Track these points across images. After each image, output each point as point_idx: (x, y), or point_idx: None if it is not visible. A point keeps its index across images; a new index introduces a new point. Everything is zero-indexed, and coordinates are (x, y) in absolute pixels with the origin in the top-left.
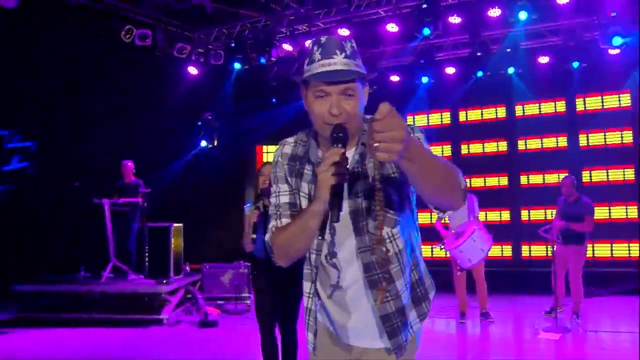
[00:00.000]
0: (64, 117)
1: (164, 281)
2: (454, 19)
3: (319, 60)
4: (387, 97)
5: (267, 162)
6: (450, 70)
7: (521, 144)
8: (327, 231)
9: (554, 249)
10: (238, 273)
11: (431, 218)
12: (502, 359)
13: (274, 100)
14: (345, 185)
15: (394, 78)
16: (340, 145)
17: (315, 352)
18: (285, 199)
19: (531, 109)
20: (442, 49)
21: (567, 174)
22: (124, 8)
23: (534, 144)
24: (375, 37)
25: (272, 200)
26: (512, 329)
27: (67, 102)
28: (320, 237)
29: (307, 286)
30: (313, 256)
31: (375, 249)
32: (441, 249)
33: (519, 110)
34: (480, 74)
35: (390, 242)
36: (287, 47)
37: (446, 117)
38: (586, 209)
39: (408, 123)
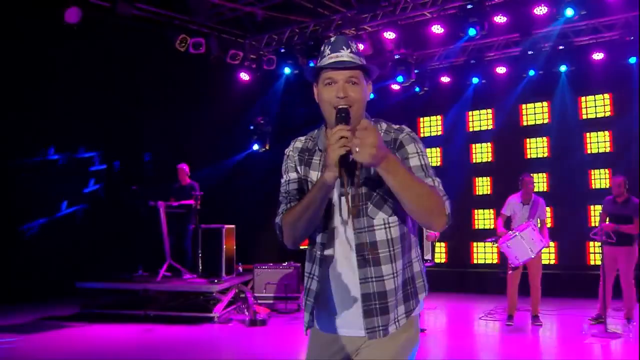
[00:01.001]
0: (126, 127)
1: (216, 281)
2: (500, 19)
3: (328, 55)
4: (438, 97)
5: None
6: (500, 70)
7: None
8: (347, 191)
9: (602, 250)
10: (288, 273)
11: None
12: None
13: None
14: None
15: (445, 79)
16: (344, 124)
17: (306, 331)
18: (294, 186)
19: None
20: (492, 49)
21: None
22: (178, 18)
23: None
24: (422, 39)
25: (282, 189)
26: (559, 333)
27: (128, 113)
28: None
29: (308, 267)
30: (319, 236)
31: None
32: (493, 244)
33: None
34: (532, 72)
35: (385, 228)
36: None
37: (502, 116)
38: (636, 210)
39: (410, 134)
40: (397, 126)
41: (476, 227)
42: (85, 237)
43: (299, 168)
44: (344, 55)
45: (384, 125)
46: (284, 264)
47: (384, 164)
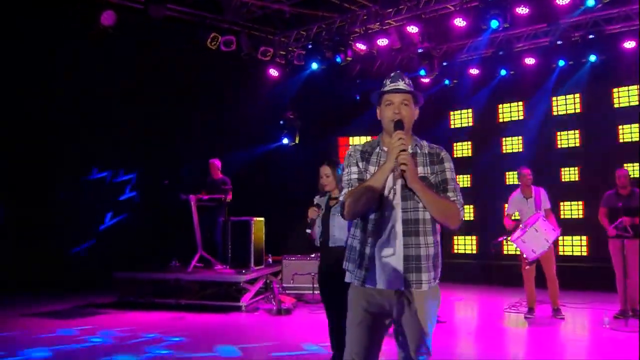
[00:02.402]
0: (162, 125)
1: (243, 271)
2: (522, 10)
3: (388, 84)
4: (466, 88)
5: (324, 164)
6: (529, 61)
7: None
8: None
9: (622, 244)
10: (315, 264)
11: None
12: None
13: (357, 97)
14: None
15: (473, 71)
16: (401, 130)
17: (361, 283)
18: (355, 176)
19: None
20: (521, 40)
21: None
22: (209, 17)
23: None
24: (446, 32)
25: (345, 178)
26: (581, 327)
27: (161, 112)
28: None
29: (361, 236)
30: (373, 214)
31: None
32: (507, 241)
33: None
34: (562, 63)
35: (423, 211)
36: (360, 46)
37: (533, 108)
38: None
39: (447, 154)
40: (437, 146)
41: None
42: (124, 233)
43: (360, 164)
44: (400, 84)
45: (425, 143)
46: (311, 256)
47: (417, 187)
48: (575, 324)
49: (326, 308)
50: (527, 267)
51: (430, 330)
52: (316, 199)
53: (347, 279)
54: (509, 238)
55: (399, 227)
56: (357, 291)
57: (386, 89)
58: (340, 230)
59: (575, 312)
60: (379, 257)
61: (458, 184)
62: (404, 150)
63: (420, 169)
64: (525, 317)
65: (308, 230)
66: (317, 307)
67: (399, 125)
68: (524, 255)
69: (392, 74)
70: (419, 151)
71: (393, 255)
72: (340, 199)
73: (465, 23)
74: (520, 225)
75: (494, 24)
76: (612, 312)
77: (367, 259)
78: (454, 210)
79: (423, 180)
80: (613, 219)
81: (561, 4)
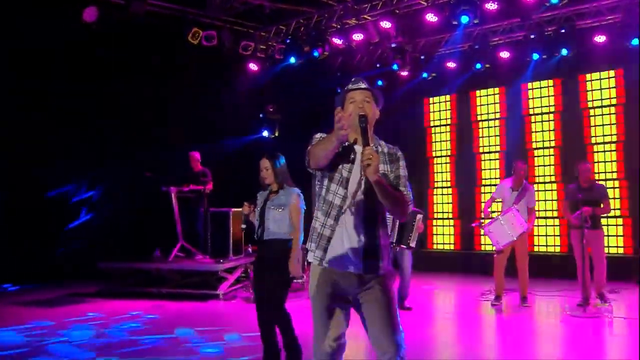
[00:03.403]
0: (140, 117)
1: (221, 261)
2: (491, 6)
3: (351, 85)
4: (445, 81)
5: (264, 157)
6: (504, 55)
7: None
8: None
9: (582, 235)
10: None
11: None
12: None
13: (338, 90)
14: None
15: (451, 64)
16: (365, 119)
17: (321, 262)
18: (320, 135)
19: None
20: (497, 34)
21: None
22: (191, 12)
23: None
24: (419, 27)
25: (316, 138)
26: (544, 314)
27: (143, 105)
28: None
29: (323, 219)
30: (336, 199)
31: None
32: (480, 226)
33: None
34: (536, 56)
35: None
36: (337, 41)
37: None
38: (603, 193)
39: (401, 154)
40: (393, 146)
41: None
42: (107, 224)
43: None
44: (361, 84)
45: (383, 143)
46: None
47: (376, 180)
48: (539, 311)
49: (257, 300)
50: (495, 255)
51: (396, 312)
52: (259, 195)
53: (309, 258)
54: (483, 223)
55: (361, 216)
56: (319, 271)
57: (348, 87)
58: (275, 224)
59: (544, 300)
60: (341, 242)
61: (409, 181)
62: (367, 145)
63: (380, 167)
64: (492, 305)
65: (243, 226)
66: (294, 295)
67: (363, 120)
68: (492, 243)
69: (353, 79)
70: (379, 150)
71: (356, 242)
72: (308, 149)
73: (437, 18)
74: (495, 215)
75: (464, 19)
76: (577, 299)
77: (327, 240)
78: (405, 204)
79: (383, 177)
80: (574, 211)
81: (528, 0)
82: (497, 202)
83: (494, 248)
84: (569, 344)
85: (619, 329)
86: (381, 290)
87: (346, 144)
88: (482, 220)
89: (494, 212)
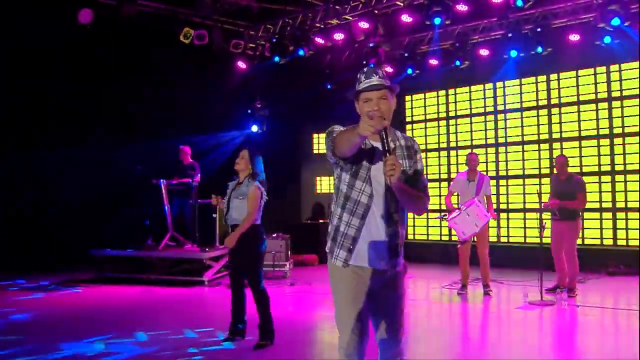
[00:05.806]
0: (135, 116)
1: (207, 249)
2: (461, 7)
3: (363, 81)
4: (428, 78)
5: (246, 148)
6: (484, 52)
7: None
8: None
9: (551, 226)
10: (277, 243)
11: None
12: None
13: (328, 86)
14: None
15: (433, 61)
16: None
17: (346, 263)
18: (340, 128)
19: None
20: (477, 32)
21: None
22: (182, 12)
23: None
24: (396, 27)
25: (336, 129)
26: (504, 301)
27: (134, 104)
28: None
29: (347, 218)
30: (362, 196)
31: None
32: (442, 219)
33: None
34: (514, 53)
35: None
36: (319, 40)
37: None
38: (578, 187)
39: (418, 145)
40: (409, 137)
41: None
42: (100, 214)
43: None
44: (375, 80)
45: (399, 134)
46: (273, 235)
47: (396, 186)
48: (500, 298)
49: (230, 276)
50: (459, 246)
51: (405, 307)
52: (229, 185)
53: (331, 262)
54: (445, 216)
55: (384, 214)
56: (344, 272)
57: (361, 86)
58: (236, 211)
59: (510, 288)
60: (367, 240)
61: (425, 176)
62: (389, 153)
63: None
64: (458, 293)
65: (214, 215)
66: (276, 282)
67: (383, 130)
68: (456, 234)
69: (365, 70)
70: (397, 143)
71: (381, 239)
72: (330, 139)
73: (411, 19)
74: (457, 207)
75: (437, 20)
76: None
77: (352, 240)
78: (424, 203)
79: (402, 173)
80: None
81: (495, 1)
82: (455, 195)
83: (458, 239)
84: (522, 329)
85: (569, 316)
86: (398, 285)
87: (367, 140)
88: (445, 214)
89: (454, 204)
